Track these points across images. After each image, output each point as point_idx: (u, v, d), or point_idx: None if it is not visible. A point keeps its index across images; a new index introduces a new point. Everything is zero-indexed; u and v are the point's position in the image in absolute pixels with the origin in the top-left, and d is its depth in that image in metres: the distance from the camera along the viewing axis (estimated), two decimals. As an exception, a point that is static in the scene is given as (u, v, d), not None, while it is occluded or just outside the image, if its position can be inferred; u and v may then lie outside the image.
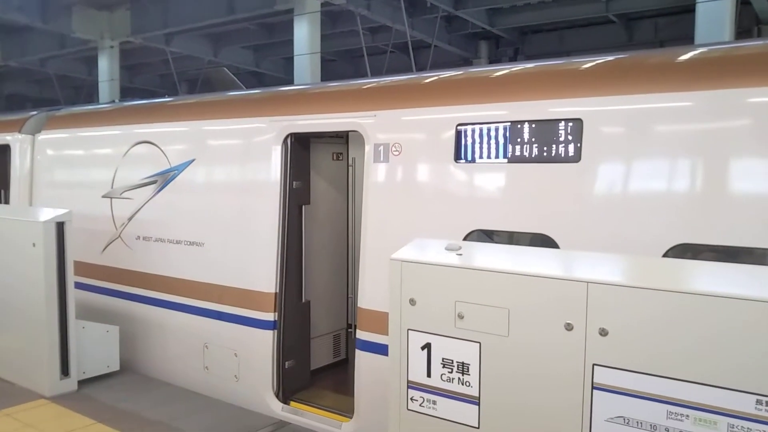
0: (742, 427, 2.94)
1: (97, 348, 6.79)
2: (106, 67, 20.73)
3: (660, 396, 3.14)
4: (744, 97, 4.00)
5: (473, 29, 19.06)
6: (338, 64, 23.18)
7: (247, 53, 23.13)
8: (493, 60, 20.80)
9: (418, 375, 3.90)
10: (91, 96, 27.16)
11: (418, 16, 17.60)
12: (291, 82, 20.08)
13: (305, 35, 16.22)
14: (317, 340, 6.88)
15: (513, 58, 20.55)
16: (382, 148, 5.41)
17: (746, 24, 14.38)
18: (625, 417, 3.24)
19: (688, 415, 3.07)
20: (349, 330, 7.54)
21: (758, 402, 2.91)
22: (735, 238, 3.96)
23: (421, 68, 17.96)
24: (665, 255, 4.11)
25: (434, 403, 3.86)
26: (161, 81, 27.94)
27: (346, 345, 7.42)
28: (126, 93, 22.40)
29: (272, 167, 6.18)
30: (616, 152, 4.40)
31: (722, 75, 4.13)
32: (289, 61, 20.27)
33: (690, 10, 13.20)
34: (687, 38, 13.02)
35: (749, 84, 3.99)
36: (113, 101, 9.68)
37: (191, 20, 17.92)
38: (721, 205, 4.03)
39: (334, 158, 7.08)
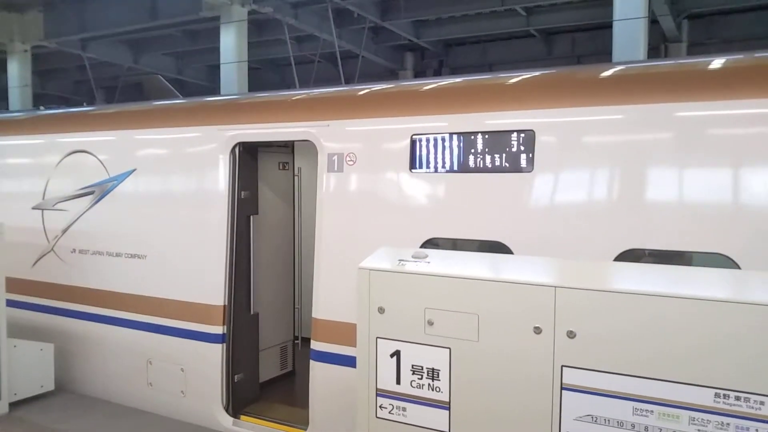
0: (702, 419, 3.13)
1: (30, 367, 6.47)
2: (17, 72, 19.69)
3: (626, 394, 3.29)
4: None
5: (400, 41, 19.32)
6: (264, 72, 22.94)
7: (169, 60, 22.53)
8: (419, 72, 21.15)
9: (387, 382, 3.93)
10: (-1, 102, 25.71)
11: (345, 26, 17.69)
12: (215, 90, 19.71)
13: (232, 43, 15.98)
14: (265, 352, 6.79)
15: (438, 70, 20.96)
16: (336, 157, 5.43)
17: (655, 42, 15.27)
18: (593, 415, 3.38)
19: (652, 411, 3.24)
20: (296, 341, 7.48)
21: (716, 395, 3.11)
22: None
23: (348, 79, 18.04)
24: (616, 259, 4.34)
25: (404, 409, 3.90)
26: (75, 87, 26.76)
27: (293, 356, 7.35)
28: (38, 100, 21.32)
29: (219, 177, 6.08)
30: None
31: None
32: (214, 69, 19.91)
33: (606, 26, 13.93)
34: (603, 53, 13.73)
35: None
36: (38, 108, 9.19)
37: (110, 25, 17.27)
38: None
39: (281, 168, 7.03)
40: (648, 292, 3.25)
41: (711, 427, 3.10)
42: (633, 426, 3.27)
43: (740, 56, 4.53)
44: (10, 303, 6.38)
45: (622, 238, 4.38)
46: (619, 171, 4.46)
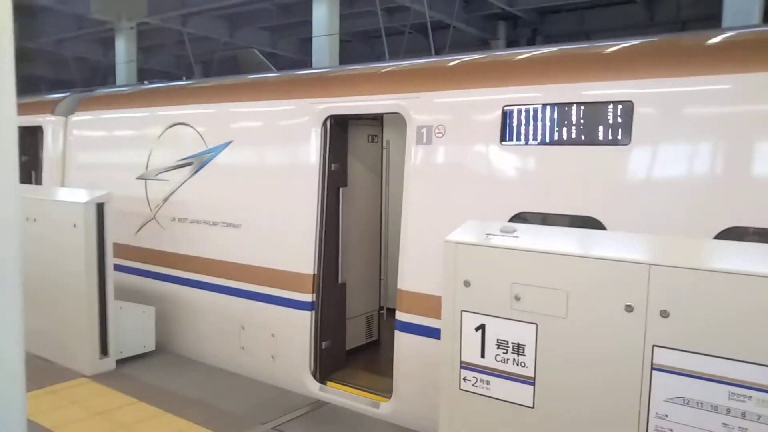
0: (806, 408, 2.97)
1: (134, 328, 6.89)
2: (123, 49, 20.70)
3: (722, 377, 3.16)
4: None
5: (492, 9, 18.86)
6: (354, 45, 23.03)
7: (264, 34, 22.99)
8: (512, 41, 20.60)
9: (472, 355, 3.93)
10: (107, 78, 27.13)
11: (436, -5, 17.42)
12: (307, 63, 20.00)
13: (324, 16, 16.12)
14: (351, 321, 6.94)
15: (531, 39, 20.34)
16: (425, 130, 5.41)
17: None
18: (685, 398, 3.27)
19: (751, 396, 3.09)
20: (381, 312, 7.59)
21: (822, 383, 2.93)
22: None
23: (439, 49, 17.82)
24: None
25: (488, 383, 3.90)
26: (176, 62, 27.86)
27: (378, 326, 7.48)
28: (142, 74, 22.36)
29: (311, 149, 6.20)
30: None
31: None
32: (306, 42, 20.15)
33: (714, -11, 13.01)
34: (712, 18, 12.87)
35: None
36: (144, 82, 9.66)
37: (209, 1, 17.82)
38: None
39: (369, 140, 7.09)
40: (748, 272, 3.09)
41: (815, 416, 2.93)
42: (728, 411, 3.14)
43: None
44: (116, 268, 6.78)
45: (724, 214, 4.15)
46: (722, 144, 4.21)
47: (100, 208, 6.35)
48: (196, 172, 7.12)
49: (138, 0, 18.40)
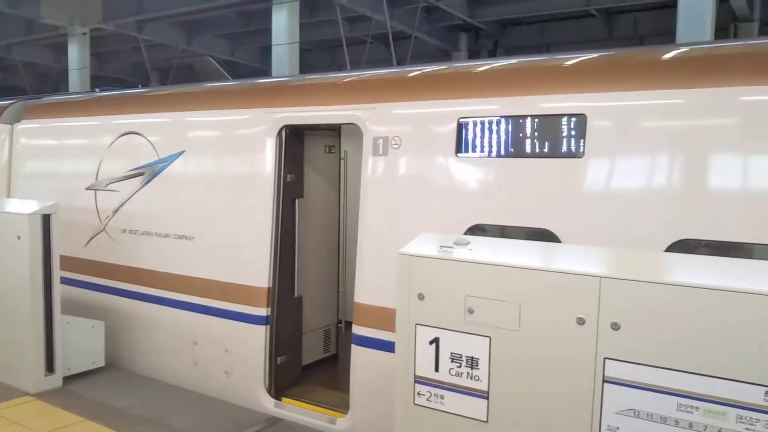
0: (750, 417, 2.99)
1: (82, 344, 6.67)
2: (76, 55, 20.27)
3: (671, 389, 3.17)
4: None
5: (453, 21, 19.02)
6: (315, 54, 22.98)
7: (222, 42, 22.78)
8: (473, 53, 20.80)
9: (426, 370, 3.88)
10: (59, 84, 26.54)
11: (398, 6, 17.49)
12: (266, 72, 19.85)
13: (284, 24, 16.03)
14: (309, 335, 6.84)
15: (492, 51, 20.57)
16: (381, 140, 5.38)
17: (724, 21, 14.56)
18: (635, 410, 3.27)
19: (698, 407, 3.11)
20: (340, 325, 7.50)
21: (767, 393, 2.96)
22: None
23: (400, 60, 17.89)
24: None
25: (442, 397, 3.85)
26: (131, 69, 27.40)
27: (336, 340, 7.39)
28: (96, 82, 21.91)
29: (266, 160, 6.10)
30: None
31: None
32: (265, 50, 20.02)
33: (671, 5, 13.33)
34: (669, 33, 13.17)
35: None
36: (94, 90, 9.44)
37: (166, 7, 17.56)
38: None
39: (327, 151, 7.02)
40: (696, 284, 3.11)
41: (760, 426, 2.96)
42: (677, 422, 3.15)
43: None
44: (64, 281, 6.57)
45: (676, 227, 4.20)
46: (674, 158, 4.27)
47: (46, 219, 6.14)
48: (147, 182, 6.95)
49: (92, 5, 18.03)
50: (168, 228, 6.78)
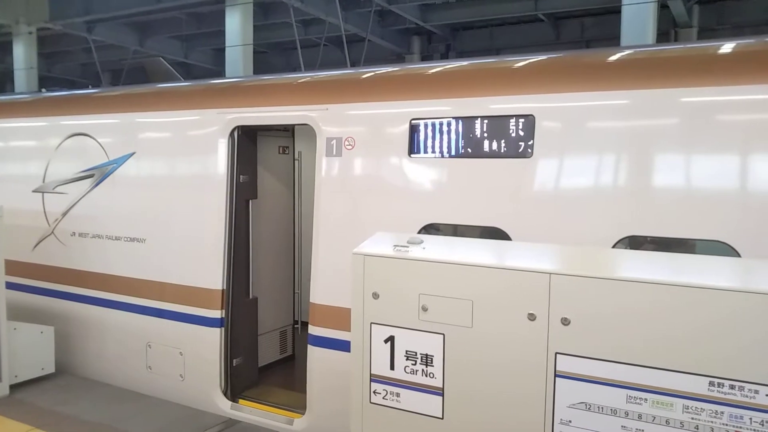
0: (696, 407, 3.10)
1: (30, 350, 6.47)
2: (22, 55, 19.68)
3: (620, 381, 3.25)
4: None
5: (406, 24, 19.17)
6: (270, 56, 22.83)
7: (175, 43, 22.45)
8: (426, 56, 20.99)
9: (381, 368, 3.91)
10: (4, 85, 25.76)
11: (352, 9, 17.55)
12: (221, 73, 19.64)
13: (237, 26, 15.90)
14: (264, 336, 6.80)
15: (444, 54, 20.79)
16: (334, 141, 5.39)
17: (664, 27, 15.07)
18: (587, 403, 3.35)
19: (646, 399, 3.21)
20: (296, 326, 7.48)
21: (711, 384, 3.06)
22: None
23: (354, 62, 17.92)
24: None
25: (398, 395, 3.88)
26: (82, 70, 26.75)
27: (293, 341, 7.36)
28: (45, 82, 21.31)
29: (218, 161, 6.05)
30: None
31: None
32: (219, 52, 19.80)
33: (615, 11, 13.75)
34: (614, 38, 13.56)
35: None
36: (41, 90, 9.19)
37: (116, 7, 17.21)
38: None
39: (280, 152, 6.99)
40: (642, 279, 3.21)
41: (705, 416, 3.07)
42: (627, 414, 3.24)
43: (750, 41, 4.44)
44: (11, 285, 6.39)
45: (622, 224, 4.32)
46: (620, 157, 4.40)
47: (-10, 222, 5.97)
48: (97, 184, 6.81)
49: (37, 4, 17.54)
50: (119, 230, 6.66)
